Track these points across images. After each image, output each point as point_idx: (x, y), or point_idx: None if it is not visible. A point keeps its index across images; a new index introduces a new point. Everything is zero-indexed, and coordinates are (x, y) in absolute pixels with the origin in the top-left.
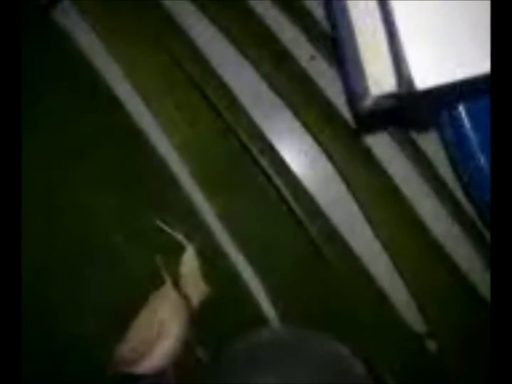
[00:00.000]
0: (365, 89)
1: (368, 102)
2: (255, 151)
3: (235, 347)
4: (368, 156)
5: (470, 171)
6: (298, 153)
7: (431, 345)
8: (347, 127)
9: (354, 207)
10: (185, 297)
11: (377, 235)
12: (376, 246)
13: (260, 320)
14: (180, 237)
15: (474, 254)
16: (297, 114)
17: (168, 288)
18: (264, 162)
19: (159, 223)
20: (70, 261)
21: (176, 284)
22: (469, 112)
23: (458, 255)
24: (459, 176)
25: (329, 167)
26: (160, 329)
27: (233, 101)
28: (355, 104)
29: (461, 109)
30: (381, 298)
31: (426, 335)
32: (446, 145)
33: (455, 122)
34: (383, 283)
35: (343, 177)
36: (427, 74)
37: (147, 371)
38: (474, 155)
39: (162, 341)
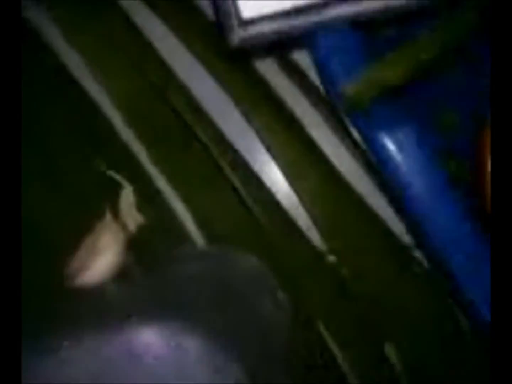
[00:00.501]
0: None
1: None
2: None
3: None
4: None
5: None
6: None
7: (331, 258)
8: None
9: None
10: (123, 225)
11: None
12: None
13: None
14: (120, 178)
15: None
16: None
17: (109, 219)
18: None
19: (106, 170)
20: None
21: (116, 215)
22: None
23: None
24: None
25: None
26: (101, 248)
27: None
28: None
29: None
30: (289, 223)
31: (327, 251)
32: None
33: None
34: (290, 211)
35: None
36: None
37: (90, 281)
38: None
39: (102, 257)
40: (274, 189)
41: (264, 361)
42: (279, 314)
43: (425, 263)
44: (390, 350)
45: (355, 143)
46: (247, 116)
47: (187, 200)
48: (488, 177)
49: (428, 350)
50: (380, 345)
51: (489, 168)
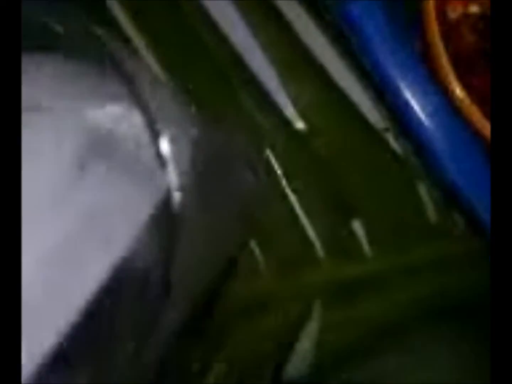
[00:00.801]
0: None
1: None
2: None
3: None
4: None
5: None
6: None
7: (300, 125)
8: None
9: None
10: None
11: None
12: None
13: None
14: None
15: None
16: None
17: None
18: None
19: None
20: None
21: None
22: None
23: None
24: None
25: None
26: None
27: None
28: None
29: None
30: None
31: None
32: None
33: None
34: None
35: None
36: None
37: None
38: None
39: None
40: None
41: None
42: (258, 185)
43: (400, 150)
44: (357, 226)
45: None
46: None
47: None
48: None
49: (395, 229)
50: (348, 219)
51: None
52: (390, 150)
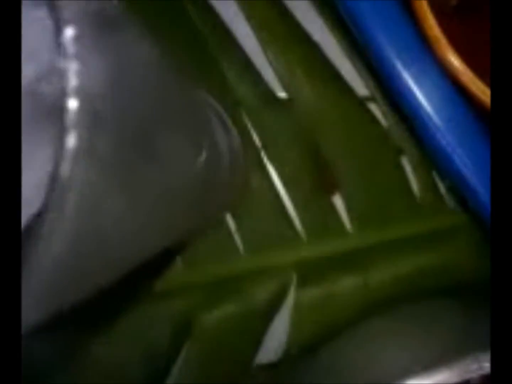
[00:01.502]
0: None
1: None
2: None
3: None
4: None
5: None
6: None
7: (281, 93)
8: None
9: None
10: None
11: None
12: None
13: None
14: None
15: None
16: None
17: None
18: None
19: None
20: None
21: None
22: None
23: None
24: None
25: None
26: None
27: None
28: None
29: None
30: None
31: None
32: None
33: None
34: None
35: None
36: None
37: None
38: None
39: None
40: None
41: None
42: (230, 140)
43: (385, 122)
44: (338, 200)
45: None
46: None
47: None
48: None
49: (377, 204)
50: (328, 193)
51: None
52: (375, 121)
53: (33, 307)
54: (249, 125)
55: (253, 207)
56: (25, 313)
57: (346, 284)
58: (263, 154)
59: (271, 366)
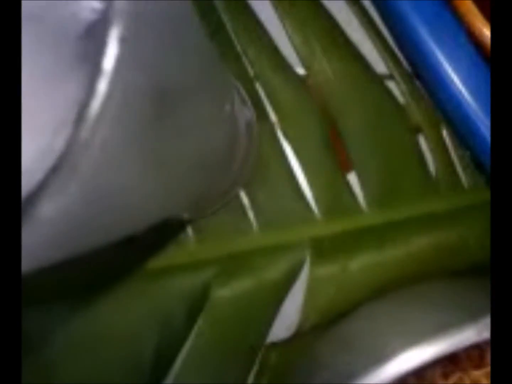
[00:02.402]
0: None
1: None
2: None
3: None
4: None
5: None
6: None
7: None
8: None
9: None
10: None
11: None
12: None
13: None
14: None
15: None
16: None
17: None
18: None
19: None
20: None
21: None
22: None
23: None
24: None
25: None
26: None
27: None
28: None
29: None
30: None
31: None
32: None
33: None
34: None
35: None
36: None
37: None
38: None
39: None
40: None
41: None
42: (246, 113)
43: (402, 99)
44: (353, 178)
45: None
46: None
47: None
48: None
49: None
50: (343, 171)
51: None
52: (393, 99)
53: (45, 250)
54: (266, 100)
55: (268, 183)
56: (33, 256)
57: (361, 261)
58: (279, 130)
59: (284, 343)
